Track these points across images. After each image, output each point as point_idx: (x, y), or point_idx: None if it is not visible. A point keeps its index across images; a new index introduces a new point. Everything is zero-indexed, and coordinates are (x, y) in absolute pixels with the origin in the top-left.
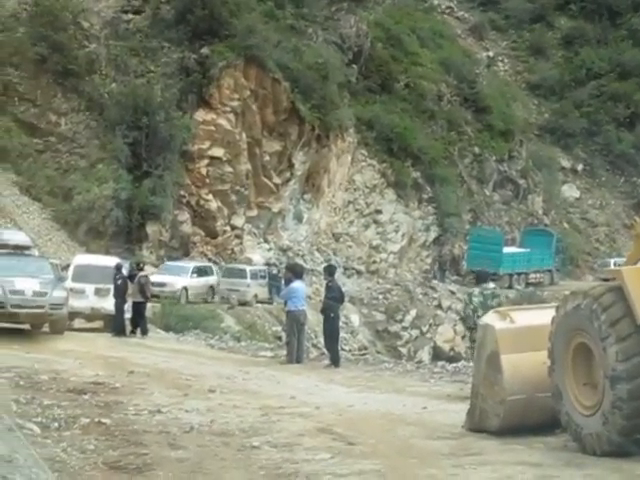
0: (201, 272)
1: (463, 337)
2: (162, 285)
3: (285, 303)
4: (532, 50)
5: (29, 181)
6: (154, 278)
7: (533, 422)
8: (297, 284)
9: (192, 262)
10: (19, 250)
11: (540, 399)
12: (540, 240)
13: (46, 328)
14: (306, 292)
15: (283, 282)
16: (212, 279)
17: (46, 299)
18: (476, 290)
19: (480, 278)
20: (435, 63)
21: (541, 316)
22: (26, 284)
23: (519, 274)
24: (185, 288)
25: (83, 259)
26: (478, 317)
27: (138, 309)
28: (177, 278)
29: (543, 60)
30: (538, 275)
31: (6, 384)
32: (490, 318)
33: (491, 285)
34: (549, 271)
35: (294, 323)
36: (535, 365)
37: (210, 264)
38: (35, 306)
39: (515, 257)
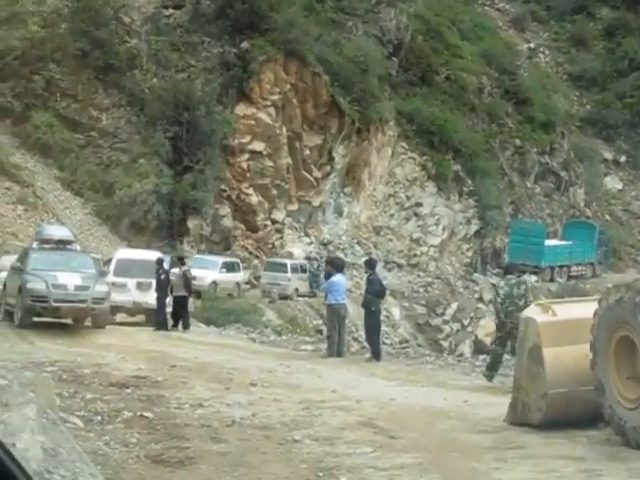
0: (229, 267)
1: None
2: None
3: (325, 297)
4: (574, 41)
5: (71, 176)
6: None
7: (575, 415)
8: (338, 278)
9: (221, 257)
10: (62, 245)
11: (582, 392)
12: (582, 232)
13: (88, 322)
14: (346, 286)
15: (323, 276)
16: (239, 275)
17: (88, 293)
18: (501, 282)
19: (507, 271)
20: (476, 55)
21: (583, 309)
22: (69, 279)
23: (561, 267)
24: (214, 282)
25: (125, 253)
26: (506, 309)
27: (181, 303)
28: (207, 272)
29: (585, 51)
30: (580, 268)
31: (50, 378)
32: (532, 311)
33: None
34: (591, 264)
35: (335, 317)
36: (577, 358)
37: (237, 260)
38: (77, 300)
39: (557, 250)
